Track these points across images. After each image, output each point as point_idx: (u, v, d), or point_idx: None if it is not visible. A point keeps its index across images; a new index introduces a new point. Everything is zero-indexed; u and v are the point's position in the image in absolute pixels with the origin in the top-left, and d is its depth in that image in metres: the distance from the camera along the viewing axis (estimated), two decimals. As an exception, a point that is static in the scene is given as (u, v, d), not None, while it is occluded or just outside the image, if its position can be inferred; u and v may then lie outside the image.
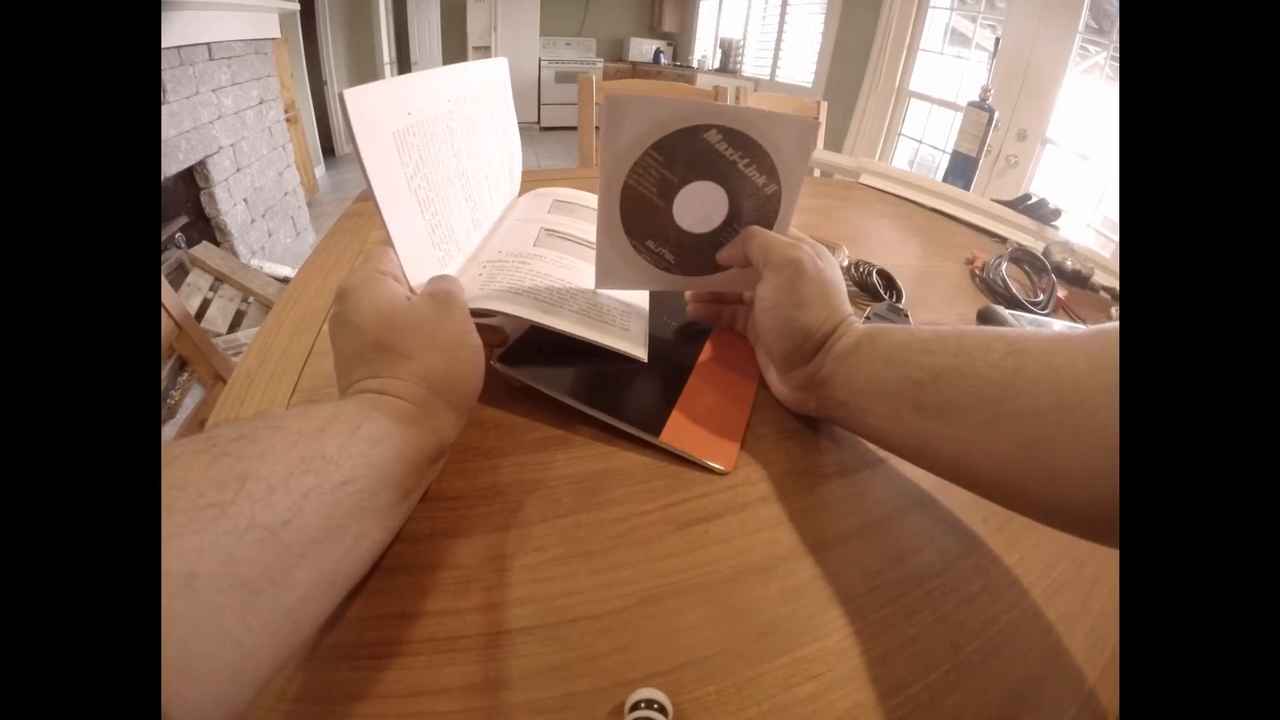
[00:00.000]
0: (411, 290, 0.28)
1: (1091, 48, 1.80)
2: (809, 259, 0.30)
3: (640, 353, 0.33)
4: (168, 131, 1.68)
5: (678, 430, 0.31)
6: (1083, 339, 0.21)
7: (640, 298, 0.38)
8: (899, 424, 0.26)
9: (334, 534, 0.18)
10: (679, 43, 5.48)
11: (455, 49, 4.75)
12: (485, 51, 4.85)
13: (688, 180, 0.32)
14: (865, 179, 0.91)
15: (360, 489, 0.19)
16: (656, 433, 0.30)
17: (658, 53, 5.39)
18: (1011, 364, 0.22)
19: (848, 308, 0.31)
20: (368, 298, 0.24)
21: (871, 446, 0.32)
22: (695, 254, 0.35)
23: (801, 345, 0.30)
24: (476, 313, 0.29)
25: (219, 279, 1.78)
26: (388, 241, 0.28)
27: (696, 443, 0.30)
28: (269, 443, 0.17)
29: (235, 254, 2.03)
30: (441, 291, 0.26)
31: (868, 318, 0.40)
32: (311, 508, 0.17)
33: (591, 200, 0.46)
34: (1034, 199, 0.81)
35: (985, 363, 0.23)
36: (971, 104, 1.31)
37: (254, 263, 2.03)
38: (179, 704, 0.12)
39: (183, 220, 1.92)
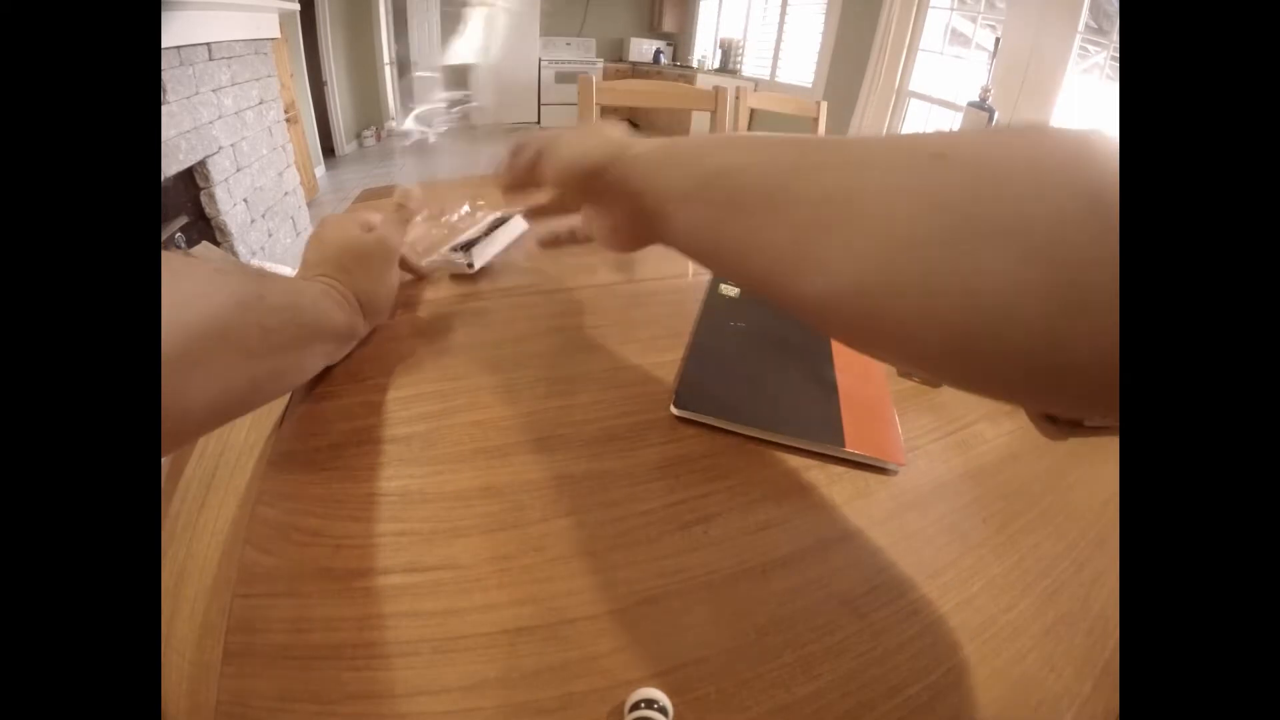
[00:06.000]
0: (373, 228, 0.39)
1: (1091, 48, 1.80)
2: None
3: None
4: (168, 131, 1.68)
5: (854, 434, 0.31)
6: (874, 137, 0.20)
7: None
8: (696, 222, 0.25)
9: (287, 347, 0.28)
10: (679, 43, 5.48)
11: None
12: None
13: None
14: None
15: (309, 326, 0.30)
16: (840, 442, 0.30)
17: (658, 53, 5.39)
18: (789, 159, 0.21)
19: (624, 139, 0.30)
20: (341, 232, 0.37)
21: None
22: None
23: (589, 174, 0.29)
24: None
25: (219, 279, 1.78)
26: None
27: (873, 443, 0.30)
28: (277, 286, 0.29)
29: (235, 254, 2.02)
30: (388, 239, 0.38)
31: None
32: (285, 328, 0.28)
33: None
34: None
35: (769, 157, 0.22)
36: (971, 104, 1.31)
37: (254, 263, 2.03)
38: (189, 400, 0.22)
39: (183, 220, 1.92)
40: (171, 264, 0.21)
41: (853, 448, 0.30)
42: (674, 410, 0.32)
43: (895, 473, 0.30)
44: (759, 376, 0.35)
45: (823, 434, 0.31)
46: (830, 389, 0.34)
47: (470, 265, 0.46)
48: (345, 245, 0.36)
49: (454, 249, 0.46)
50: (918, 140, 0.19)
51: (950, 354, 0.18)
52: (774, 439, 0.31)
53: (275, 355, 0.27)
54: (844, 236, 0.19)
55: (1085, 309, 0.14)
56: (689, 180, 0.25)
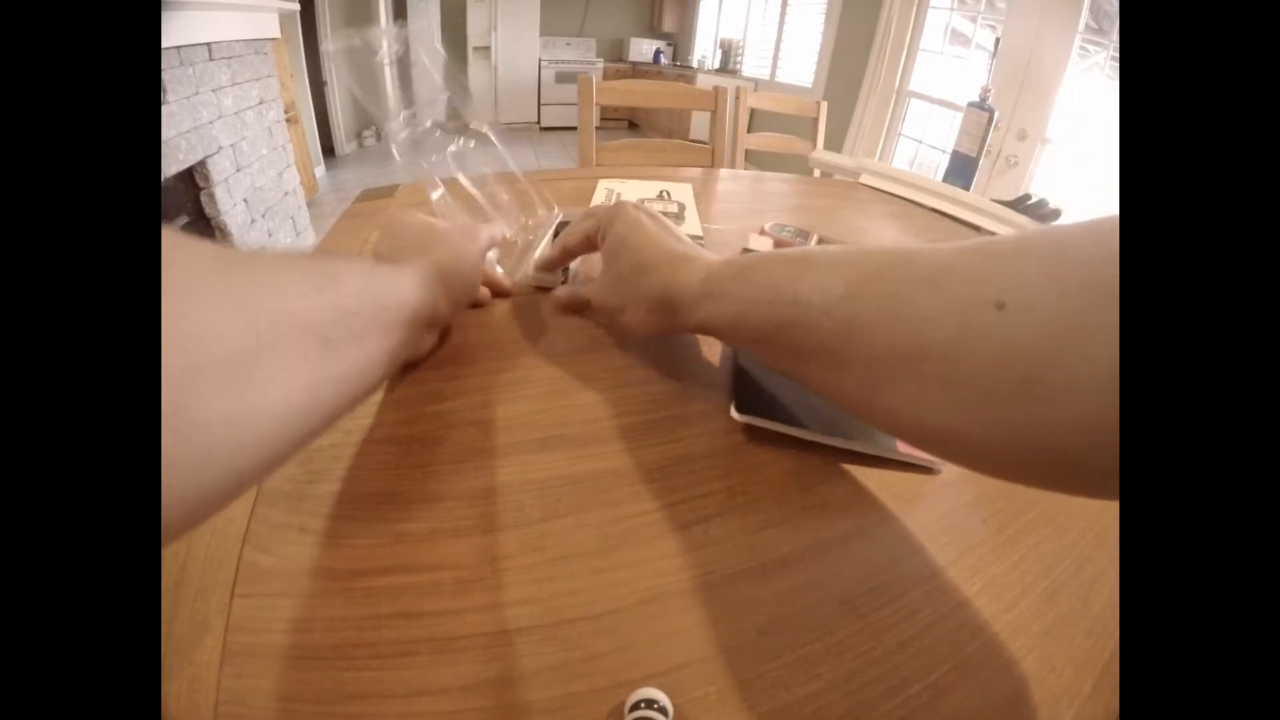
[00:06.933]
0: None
1: (1091, 48, 1.80)
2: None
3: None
4: (168, 131, 1.68)
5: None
6: (930, 276, 0.21)
7: None
8: (765, 358, 0.29)
9: (370, 333, 0.25)
10: (679, 43, 5.49)
11: (455, 49, 4.75)
12: (485, 52, 4.86)
13: None
14: (865, 179, 0.91)
15: (385, 309, 0.27)
16: (893, 445, 0.30)
17: (658, 53, 5.40)
18: (845, 311, 0.22)
19: (676, 259, 0.32)
20: (413, 219, 0.37)
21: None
22: None
23: (660, 331, 0.34)
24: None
25: (219, 279, 1.78)
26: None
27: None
28: (349, 266, 0.26)
29: (235, 254, 2.02)
30: (467, 221, 0.39)
31: None
32: (365, 310, 0.24)
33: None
34: (1034, 199, 0.81)
35: (821, 312, 0.23)
36: (971, 104, 1.31)
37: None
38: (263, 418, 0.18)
39: (183, 220, 1.92)
40: (226, 255, 0.19)
41: (904, 450, 0.30)
42: (735, 415, 0.32)
43: (939, 472, 0.30)
44: None
45: (877, 437, 0.31)
46: None
47: (565, 282, 0.45)
48: (420, 226, 0.36)
49: (557, 270, 0.45)
50: (978, 286, 0.18)
51: (1014, 477, 0.20)
52: (834, 444, 0.31)
53: (357, 344, 0.23)
54: (908, 391, 0.20)
55: None
56: (747, 330, 0.28)
